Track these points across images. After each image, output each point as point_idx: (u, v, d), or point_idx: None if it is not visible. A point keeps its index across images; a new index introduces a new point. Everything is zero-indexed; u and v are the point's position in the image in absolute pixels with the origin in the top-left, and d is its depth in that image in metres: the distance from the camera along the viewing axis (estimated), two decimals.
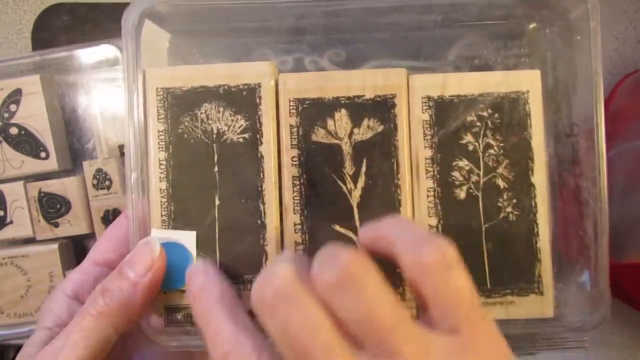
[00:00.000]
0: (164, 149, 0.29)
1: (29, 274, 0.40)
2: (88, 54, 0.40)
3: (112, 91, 0.41)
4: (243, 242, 0.29)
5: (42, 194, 0.40)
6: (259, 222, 0.29)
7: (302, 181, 0.29)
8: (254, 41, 0.35)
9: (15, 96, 0.39)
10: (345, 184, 0.29)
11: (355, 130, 0.29)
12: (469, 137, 0.29)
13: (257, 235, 0.29)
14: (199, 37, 0.34)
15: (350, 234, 0.29)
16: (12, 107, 0.40)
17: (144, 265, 0.27)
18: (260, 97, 0.29)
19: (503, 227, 0.29)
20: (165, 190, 0.29)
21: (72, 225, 0.40)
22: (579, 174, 0.31)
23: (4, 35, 0.45)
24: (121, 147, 0.41)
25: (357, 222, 0.29)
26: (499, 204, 0.29)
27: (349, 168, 0.29)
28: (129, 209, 0.29)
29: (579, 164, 0.30)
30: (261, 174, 0.29)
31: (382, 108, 0.29)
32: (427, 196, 0.29)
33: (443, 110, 0.29)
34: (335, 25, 0.32)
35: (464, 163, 0.29)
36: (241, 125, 0.29)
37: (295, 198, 0.29)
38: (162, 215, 0.29)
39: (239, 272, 0.28)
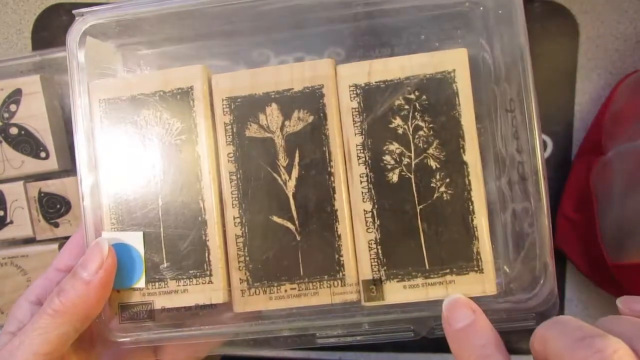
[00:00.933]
0: (110, 156, 0.31)
1: (29, 274, 0.40)
2: None
3: None
4: (186, 239, 0.30)
5: (42, 194, 0.40)
6: (199, 218, 0.30)
7: (238, 176, 0.30)
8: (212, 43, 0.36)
9: (15, 96, 0.40)
10: (279, 175, 0.30)
11: (287, 123, 0.30)
12: (398, 121, 0.29)
13: (198, 232, 0.30)
14: (154, 47, 0.36)
15: (288, 224, 0.30)
16: (12, 107, 0.40)
17: (95, 264, 0.28)
18: (193, 100, 0.30)
19: (438, 206, 0.29)
20: (112, 195, 0.30)
21: (72, 225, 0.40)
22: (519, 149, 0.30)
23: (4, 35, 0.45)
24: None
25: (294, 212, 0.29)
26: (432, 185, 0.29)
27: (282, 160, 0.30)
28: (82, 214, 0.31)
29: (519, 139, 0.30)
30: (199, 173, 0.30)
31: (311, 99, 0.30)
32: (361, 182, 0.29)
33: (370, 96, 0.29)
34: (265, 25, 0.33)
35: (394, 146, 0.29)
36: (177, 128, 0.30)
37: (233, 193, 0.30)
38: (111, 219, 0.30)
39: (184, 268, 0.30)
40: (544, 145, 0.43)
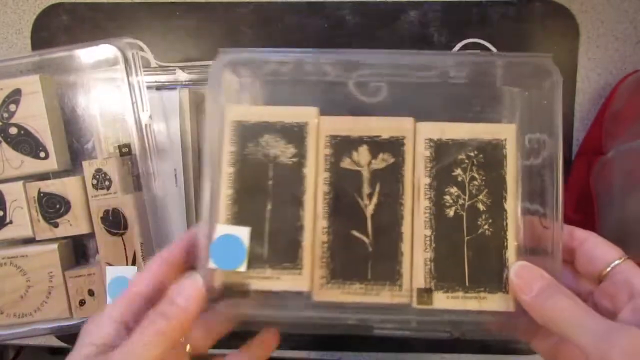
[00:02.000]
0: (232, 165, 0.39)
1: (29, 274, 0.40)
2: (88, 54, 0.40)
3: (112, 91, 0.40)
4: (285, 238, 0.38)
5: (42, 194, 0.40)
6: (298, 223, 0.39)
7: (330, 196, 0.39)
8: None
9: (14, 96, 0.39)
10: (362, 200, 0.39)
11: (373, 161, 0.39)
12: (458, 171, 0.39)
13: (296, 234, 0.38)
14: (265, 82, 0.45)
15: (363, 238, 0.39)
16: (12, 107, 0.39)
17: (191, 294, 0.33)
18: (307, 132, 0.39)
19: (480, 240, 0.38)
20: (231, 196, 0.39)
21: (72, 225, 0.40)
22: (544, 203, 0.40)
23: (4, 35, 0.45)
24: (120, 148, 0.41)
25: (369, 230, 0.39)
26: (478, 223, 0.38)
27: (366, 189, 0.39)
28: (203, 209, 0.39)
29: (545, 195, 0.39)
30: (303, 189, 0.39)
31: (394, 146, 0.39)
32: (424, 213, 0.38)
33: (441, 149, 0.39)
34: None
35: (453, 190, 0.39)
36: (291, 152, 0.39)
37: (324, 208, 0.39)
38: (226, 214, 0.39)
39: (280, 260, 0.38)
40: (543, 144, 0.44)
